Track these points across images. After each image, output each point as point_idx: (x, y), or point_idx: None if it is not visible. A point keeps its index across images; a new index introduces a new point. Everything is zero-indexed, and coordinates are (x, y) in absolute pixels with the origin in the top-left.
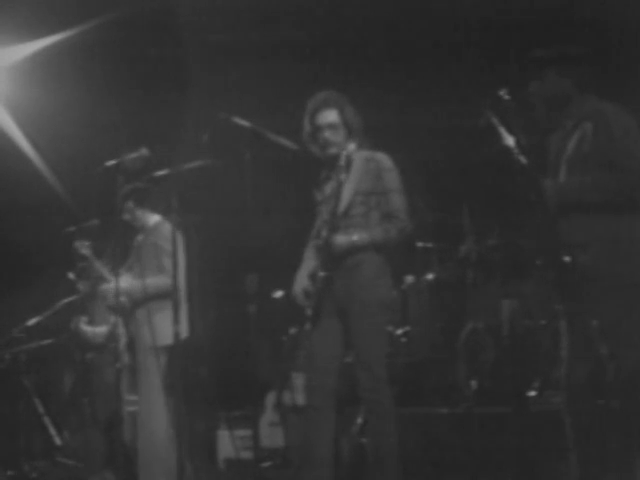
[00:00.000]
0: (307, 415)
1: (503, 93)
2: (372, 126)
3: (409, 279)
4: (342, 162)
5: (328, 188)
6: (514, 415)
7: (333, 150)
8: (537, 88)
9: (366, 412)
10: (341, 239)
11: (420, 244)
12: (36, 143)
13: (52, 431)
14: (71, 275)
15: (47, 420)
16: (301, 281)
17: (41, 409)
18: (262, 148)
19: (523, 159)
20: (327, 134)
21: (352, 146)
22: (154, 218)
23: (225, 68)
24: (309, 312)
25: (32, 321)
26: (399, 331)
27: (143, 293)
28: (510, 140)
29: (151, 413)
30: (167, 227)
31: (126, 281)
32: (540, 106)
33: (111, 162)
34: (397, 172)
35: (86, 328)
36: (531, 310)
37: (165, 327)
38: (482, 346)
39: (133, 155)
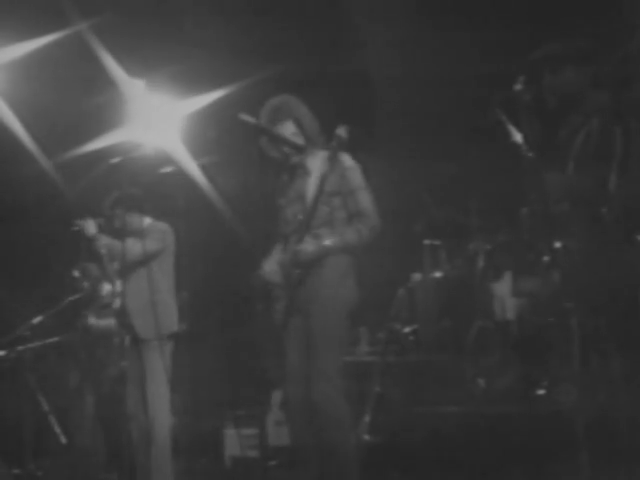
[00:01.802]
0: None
1: (518, 82)
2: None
3: (416, 277)
4: (302, 166)
5: (291, 192)
6: (522, 414)
7: (295, 159)
8: (551, 82)
9: (319, 420)
10: (311, 247)
11: (427, 241)
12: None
13: (57, 429)
14: (76, 273)
15: (52, 418)
16: (271, 264)
17: (46, 407)
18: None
19: (530, 155)
20: (286, 146)
21: (312, 150)
22: (146, 221)
23: None
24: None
25: (37, 319)
26: (407, 329)
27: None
28: (518, 137)
29: (156, 409)
30: (159, 226)
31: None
32: (552, 101)
33: (115, 160)
34: (359, 170)
35: (94, 322)
36: (540, 308)
37: (168, 315)
38: (490, 344)
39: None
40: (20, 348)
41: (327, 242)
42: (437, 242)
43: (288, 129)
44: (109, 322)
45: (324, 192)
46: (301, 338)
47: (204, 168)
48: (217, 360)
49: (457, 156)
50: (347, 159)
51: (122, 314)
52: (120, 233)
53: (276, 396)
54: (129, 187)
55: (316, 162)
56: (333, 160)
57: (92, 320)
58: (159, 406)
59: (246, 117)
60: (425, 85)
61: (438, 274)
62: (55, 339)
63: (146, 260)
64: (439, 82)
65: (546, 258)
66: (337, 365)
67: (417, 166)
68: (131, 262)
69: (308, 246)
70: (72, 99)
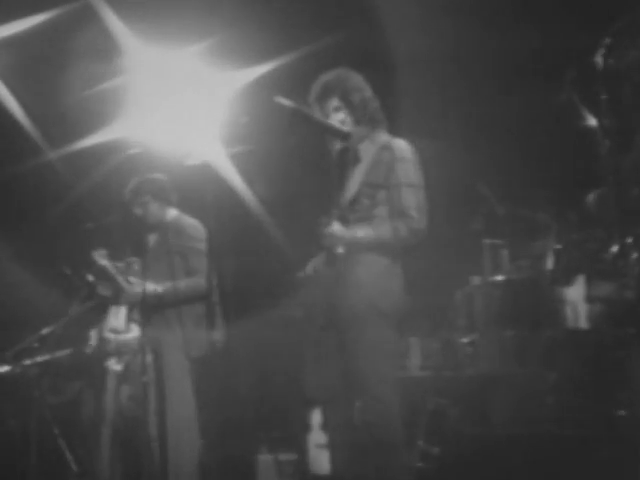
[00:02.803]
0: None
1: (596, 58)
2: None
3: (476, 280)
4: (350, 149)
5: (338, 181)
6: (600, 438)
7: (341, 144)
8: (630, 63)
9: (365, 445)
10: (341, 230)
11: (487, 240)
12: None
13: (69, 455)
14: (90, 277)
15: (63, 443)
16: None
17: (56, 430)
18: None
19: (607, 143)
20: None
21: (361, 132)
22: (171, 213)
23: None
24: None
25: (47, 329)
26: (464, 340)
27: (174, 296)
28: (592, 121)
29: (181, 434)
30: (192, 223)
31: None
32: (629, 82)
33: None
34: (413, 163)
35: (111, 336)
36: (618, 315)
37: (199, 335)
38: (562, 357)
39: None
40: (26, 362)
41: (359, 233)
42: (498, 241)
43: (334, 104)
44: (130, 336)
45: (368, 183)
46: (340, 349)
47: (236, 158)
48: (249, 373)
49: (520, 141)
50: (402, 149)
51: (147, 327)
52: (142, 224)
53: (317, 415)
54: (153, 173)
55: (370, 148)
56: (386, 149)
57: (109, 333)
58: (185, 428)
59: (283, 100)
60: (481, 63)
61: (500, 277)
62: (66, 352)
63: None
64: (497, 60)
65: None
66: (382, 381)
67: (474, 154)
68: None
69: (336, 229)
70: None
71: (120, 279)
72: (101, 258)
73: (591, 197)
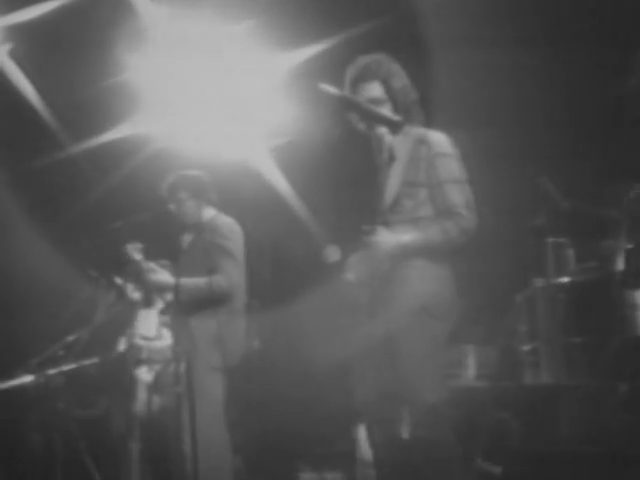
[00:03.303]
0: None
1: None
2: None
3: (538, 282)
4: (386, 146)
5: (378, 178)
6: None
7: (380, 130)
8: None
9: (415, 464)
10: (388, 238)
11: (551, 238)
12: None
13: (95, 473)
14: (119, 280)
15: (89, 460)
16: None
17: (82, 446)
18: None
19: None
20: (378, 122)
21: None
22: (209, 212)
23: None
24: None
25: (73, 336)
26: (526, 347)
27: (188, 291)
28: None
29: (210, 450)
30: (226, 222)
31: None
32: None
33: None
34: (454, 157)
35: (142, 343)
36: None
37: (235, 342)
38: (633, 367)
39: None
40: (51, 372)
41: (406, 238)
42: (563, 239)
43: (372, 90)
44: (161, 343)
45: (407, 182)
46: (386, 357)
47: (276, 151)
48: (288, 383)
49: (586, 131)
50: (440, 142)
51: (181, 335)
52: (177, 223)
53: (364, 430)
54: (191, 169)
55: (405, 143)
56: (423, 143)
57: (140, 340)
58: (215, 445)
59: (328, 87)
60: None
61: (565, 279)
62: (93, 360)
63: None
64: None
65: None
66: (433, 390)
67: (536, 145)
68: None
69: (383, 238)
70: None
71: (156, 277)
72: (136, 252)
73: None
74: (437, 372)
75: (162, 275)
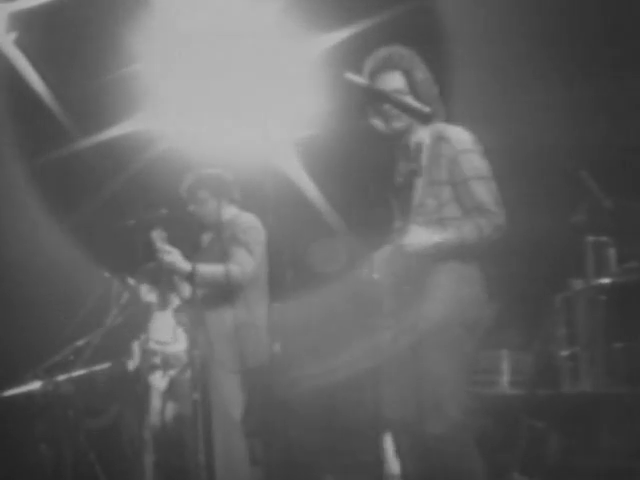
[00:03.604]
0: None
1: None
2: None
3: (577, 284)
4: (410, 142)
5: (400, 176)
6: None
7: (398, 124)
8: None
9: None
10: (421, 240)
11: (591, 237)
12: None
13: None
14: (131, 281)
15: (100, 472)
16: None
17: (92, 457)
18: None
19: None
20: (407, 113)
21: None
22: (230, 211)
23: None
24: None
25: (83, 340)
26: (564, 353)
27: (212, 277)
28: None
29: (228, 459)
30: (246, 218)
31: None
32: None
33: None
34: (477, 153)
35: (157, 348)
36: None
37: (255, 343)
38: None
39: None
40: (60, 378)
41: (440, 236)
42: (604, 238)
43: (393, 81)
44: (178, 347)
45: (432, 181)
46: (412, 364)
47: (299, 145)
48: (312, 391)
49: (627, 124)
50: (462, 138)
51: (200, 338)
52: (198, 223)
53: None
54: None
55: (424, 140)
56: (443, 139)
57: (154, 344)
58: (235, 454)
59: (354, 77)
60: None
61: (606, 280)
62: (105, 366)
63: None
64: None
65: None
66: (457, 405)
67: (574, 136)
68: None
69: (416, 236)
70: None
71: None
72: (160, 241)
73: None
74: (463, 382)
75: (178, 257)
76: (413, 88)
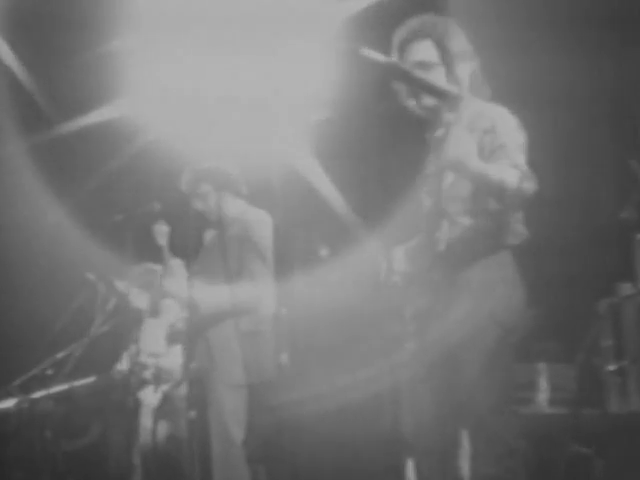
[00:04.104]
0: None
1: None
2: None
3: (625, 289)
4: (441, 122)
5: (432, 161)
6: None
7: (430, 102)
8: None
9: None
10: (459, 150)
11: None
12: None
13: None
14: (120, 285)
15: None
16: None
17: None
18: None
19: None
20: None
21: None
22: (237, 206)
23: None
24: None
25: (63, 352)
26: (610, 367)
27: (217, 314)
28: None
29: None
30: (257, 216)
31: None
32: None
33: None
34: (520, 135)
35: (149, 361)
36: None
37: (260, 356)
38: None
39: None
40: (37, 395)
41: (479, 162)
42: None
43: (421, 52)
44: (171, 360)
45: None
46: (443, 378)
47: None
48: (324, 408)
49: None
50: (504, 117)
51: (197, 349)
52: (200, 219)
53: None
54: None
55: (463, 119)
56: (483, 117)
57: (146, 356)
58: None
59: (372, 53)
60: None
61: None
62: (88, 381)
63: None
64: None
65: None
66: (501, 418)
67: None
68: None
69: (457, 145)
70: None
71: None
72: (161, 236)
73: None
74: (505, 393)
75: (179, 285)
76: (447, 61)
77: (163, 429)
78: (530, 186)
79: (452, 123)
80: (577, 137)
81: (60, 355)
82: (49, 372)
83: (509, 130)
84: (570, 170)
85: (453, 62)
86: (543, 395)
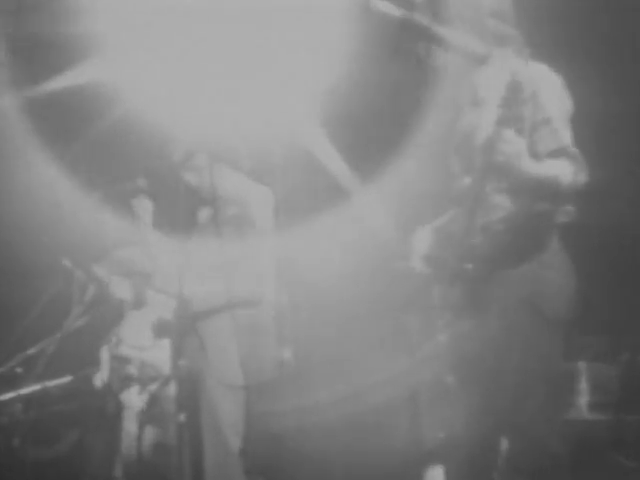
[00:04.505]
0: None
1: None
2: None
3: None
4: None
5: (460, 130)
6: None
7: (458, 61)
8: None
9: None
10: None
11: None
12: None
13: None
14: (100, 271)
15: None
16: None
17: None
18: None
19: None
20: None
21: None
22: (237, 182)
23: None
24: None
25: (34, 348)
26: None
27: (225, 299)
28: None
29: None
30: (259, 197)
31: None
32: None
33: None
34: (562, 98)
35: (132, 355)
36: None
37: (260, 352)
38: None
39: None
40: (4, 397)
41: (530, 161)
42: None
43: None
44: (158, 355)
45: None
46: (477, 376)
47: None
48: (333, 411)
49: None
50: (546, 76)
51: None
52: (193, 195)
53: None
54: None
55: (494, 78)
56: (521, 75)
57: (129, 350)
58: None
59: (385, 4)
60: None
61: None
62: (63, 381)
63: None
64: None
65: None
66: (546, 422)
67: None
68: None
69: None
70: None
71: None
72: (145, 213)
73: None
74: (551, 393)
75: (166, 274)
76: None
77: (149, 436)
78: (583, 177)
79: (485, 101)
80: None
81: (31, 351)
82: (18, 371)
83: (554, 97)
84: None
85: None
86: (583, 399)
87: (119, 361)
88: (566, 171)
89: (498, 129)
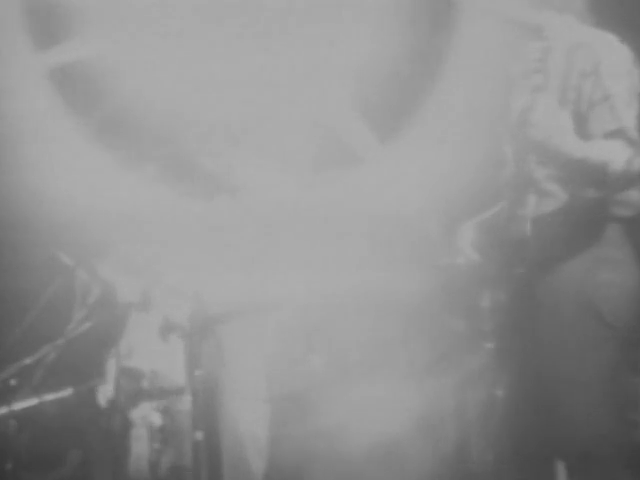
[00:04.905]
0: None
1: None
2: None
3: None
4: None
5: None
6: None
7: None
8: None
9: None
10: (549, 121)
11: None
12: None
13: None
14: (104, 270)
15: None
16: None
17: None
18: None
19: None
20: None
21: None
22: (257, 171)
23: None
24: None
25: (31, 358)
26: None
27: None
28: None
29: None
30: (280, 186)
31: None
32: None
33: None
34: (631, 72)
35: (141, 366)
36: None
37: (287, 361)
38: None
39: None
40: None
41: (575, 141)
42: None
43: None
44: (169, 363)
45: (561, 102)
46: (531, 391)
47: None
48: (364, 425)
49: None
50: (612, 47)
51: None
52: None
53: None
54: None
55: (554, 47)
56: (584, 47)
57: (139, 359)
58: None
59: None
60: None
61: None
62: (63, 394)
63: None
64: None
65: None
66: (612, 445)
67: None
68: None
69: (546, 114)
70: None
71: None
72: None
73: None
74: (616, 411)
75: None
76: None
77: (164, 456)
78: (631, 165)
79: (540, 86)
80: None
81: (27, 361)
82: (12, 383)
83: (619, 72)
84: None
85: None
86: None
87: (130, 374)
88: (619, 156)
89: (544, 101)
